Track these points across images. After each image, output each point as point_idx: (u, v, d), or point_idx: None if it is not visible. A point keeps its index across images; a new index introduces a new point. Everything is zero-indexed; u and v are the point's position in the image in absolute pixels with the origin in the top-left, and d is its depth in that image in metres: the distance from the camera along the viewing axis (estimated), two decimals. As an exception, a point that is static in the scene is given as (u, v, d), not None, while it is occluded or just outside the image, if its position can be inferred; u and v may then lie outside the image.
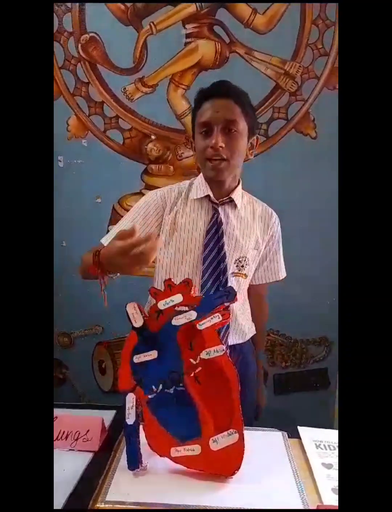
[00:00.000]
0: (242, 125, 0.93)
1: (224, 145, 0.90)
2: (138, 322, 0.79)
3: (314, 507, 0.67)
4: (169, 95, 1.61)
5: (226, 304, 0.76)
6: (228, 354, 0.75)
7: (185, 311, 0.77)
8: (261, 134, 1.64)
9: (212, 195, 0.99)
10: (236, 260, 1.01)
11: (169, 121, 1.63)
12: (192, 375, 0.76)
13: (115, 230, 0.98)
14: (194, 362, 0.76)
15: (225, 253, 0.98)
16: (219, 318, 0.76)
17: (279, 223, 1.10)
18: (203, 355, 0.76)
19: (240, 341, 1.07)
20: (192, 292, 0.78)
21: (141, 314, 0.79)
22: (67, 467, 0.76)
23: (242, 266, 1.02)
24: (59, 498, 0.68)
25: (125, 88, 1.61)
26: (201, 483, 0.73)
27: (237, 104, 0.92)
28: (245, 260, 1.02)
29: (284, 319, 1.72)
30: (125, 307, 0.79)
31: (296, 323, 1.72)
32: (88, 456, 0.80)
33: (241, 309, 1.07)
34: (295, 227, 1.64)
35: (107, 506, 0.68)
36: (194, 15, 1.56)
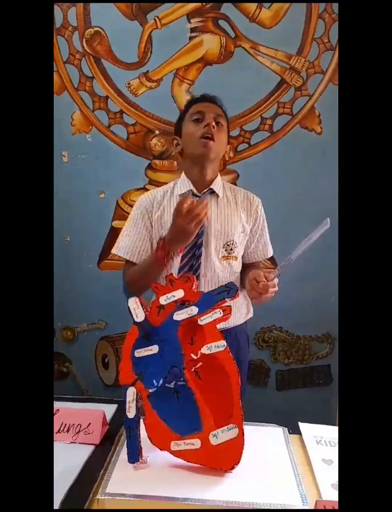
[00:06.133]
0: (225, 124, 1.09)
1: (215, 126, 1.03)
2: (139, 316, 0.79)
3: (313, 502, 0.67)
4: (173, 90, 1.60)
5: (227, 299, 0.76)
6: (228, 350, 0.76)
7: (187, 306, 0.77)
8: (266, 129, 1.63)
9: (194, 189, 1.10)
10: (224, 245, 1.11)
11: (174, 116, 1.61)
12: (193, 370, 0.77)
13: (122, 238, 1.11)
14: (195, 357, 0.76)
15: (202, 240, 1.07)
16: (220, 313, 0.76)
17: (262, 208, 1.18)
18: (204, 350, 0.76)
19: (241, 321, 1.17)
20: (193, 286, 0.78)
21: (143, 309, 0.79)
22: (69, 459, 0.77)
23: (231, 249, 1.11)
24: (60, 490, 0.68)
25: (129, 82, 1.60)
26: (200, 477, 0.74)
27: (221, 109, 1.09)
28: (232, 244, 1.11)
29: (287, 316, 1.72)
30: (127, 301, 0.80)
31: (299, 319, 1.71)
32: (90, 449, 0.81)
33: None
34: (299, 222, 1.64)
35: (108, 498, 0.68)
36: (199, 9, 1.55)
